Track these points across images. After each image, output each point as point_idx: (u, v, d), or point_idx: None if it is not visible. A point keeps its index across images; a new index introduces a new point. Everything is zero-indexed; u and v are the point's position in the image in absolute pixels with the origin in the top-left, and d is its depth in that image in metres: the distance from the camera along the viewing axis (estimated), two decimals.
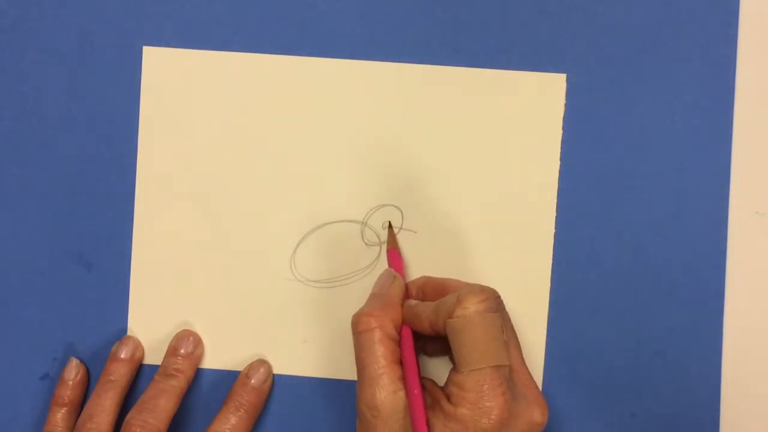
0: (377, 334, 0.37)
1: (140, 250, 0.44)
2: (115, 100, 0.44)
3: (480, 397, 0.35)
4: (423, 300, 0.40)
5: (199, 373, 0.44)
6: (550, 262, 0.43)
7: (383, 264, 0.43)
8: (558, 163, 0.43)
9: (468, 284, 0.39)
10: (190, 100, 0.44)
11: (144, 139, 0.44)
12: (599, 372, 0.43)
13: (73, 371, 0.43)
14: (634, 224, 0.43)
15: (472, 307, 0.36)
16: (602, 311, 0.43)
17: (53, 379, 0.44)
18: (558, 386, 0.43)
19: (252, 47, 0.44)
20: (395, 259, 0.42)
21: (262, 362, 0.43)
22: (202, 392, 0.44)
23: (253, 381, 0.42)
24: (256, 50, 0.44)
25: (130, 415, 0.40)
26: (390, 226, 0.43)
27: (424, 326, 0.38)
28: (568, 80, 0.43)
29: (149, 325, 0.44)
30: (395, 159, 0.44)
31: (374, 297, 0.39)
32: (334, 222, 0.44)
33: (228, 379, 0.43)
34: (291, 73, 0.44)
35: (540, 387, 0.43)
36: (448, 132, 0.44)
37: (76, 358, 0.44)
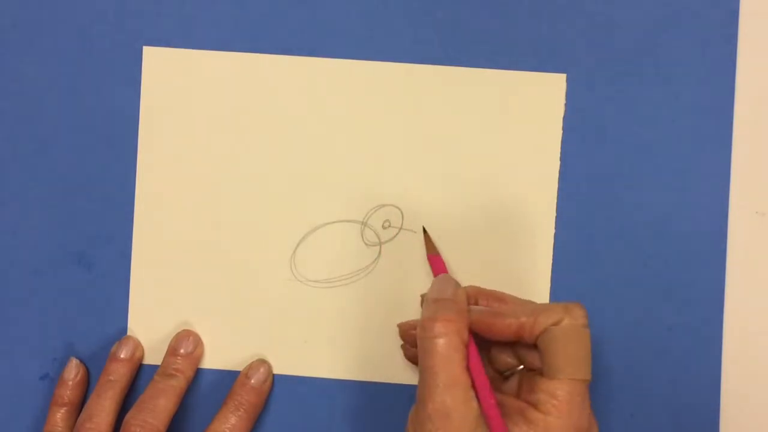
0: (453, 340, 0.36)
1: (140, 250, 0.44)
2: (115, 100, 0.44)
3: (571, 407, 0.35)
4: None
5: (198, 373, 0.44)
6: (550, 262, 0.43)
7: (383, 264, 0.43)
8: (558, 163, 0.43)
9: (535, 303, 0.39)
10: (190, 100, 0.44)
11: (144, 139, 0.44)
12: (599, 372, 0.43)
13: (72, 371, 0.43)
14: (634, 224, 0.43)
15: (582, 320, 0.36)
16: (602, 311, 0.43)
17: (53, 379, 0.44)
18: None
19: (252, 47, 0.44)
20: (441, 266, 0.42)
21: (262, 362, 0.43)
22: (202, 392, 0.44)
23: (252, 381, 0.42)
24: (256, 50, 0.44)
25: (130, 415, 0.40)
26: (425, 230, 0.43)
27: (506, 329, 0.37)
28: (568, 80, 0.43)
29: (149, 325, 0.44)
30: (395, 159, 0.44)
31: (440, 302, 0.37)
32: (334, 222, 0.44)
33: (228, 379, 0.43)
34: (291, 73, 0.44)
35: None
36: (448, 132, 0.44)
37: (76, 358, 0.44)
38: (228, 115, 0.44)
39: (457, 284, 0.39)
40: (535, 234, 0.43)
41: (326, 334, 0.44)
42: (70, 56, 0.44)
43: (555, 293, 0.43)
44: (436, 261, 0.42)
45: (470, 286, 0.40)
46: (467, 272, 0.43)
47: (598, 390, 0.43)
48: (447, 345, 0.36)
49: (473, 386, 0.36)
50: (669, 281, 0.43)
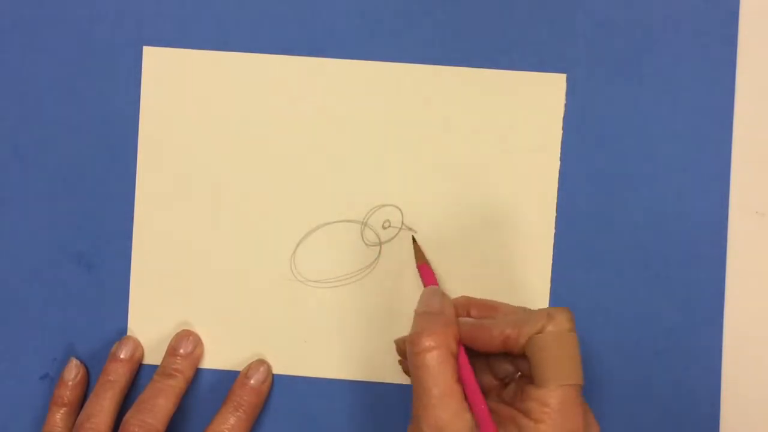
0: (441, 353, 0.36)
1: (140, 250, 0.44)
2: (115, 100, 0.44)
3: (563, 414, 0.35)
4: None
5: (198, 373, 0.44)
6: (550, 262, 0.43)
7: (383, 264, 0.43)
8: (558, 163, 0.43)
9: (523, 308, 0.38)
10: (190, 100, 0.44)
11: (144, 139, 0.44)
12: (599, 372, 0.43)
13: (72, 371, 0.43)
14: (634, 224, 0.43)
15: (565, 324, 0.36)
16: (602, 311, 0.43)
17: (53, 379, 0.44)
18: None
19: (252, 47, 0.44)
20: (430, 276, 0.42)
21: (262, 362, 0.43)
22: (202, 392, 0.44)
23: (252, 381, 0.42)
24: (256, 50, 0.44)
25: (129, 415, 0.40)
26: (414, 240, 0.43)
27: (492, 342, 0.37)
28: (568, 80, 0.43)
29: (149, 325, 0.44)
30: (395, 159, 0.44)
31: (427, 316, 0.38)
32: (334, 222, 0.44)
33: (227, 379, 0.43)
34: (291, 73, 0.44)
35: None
36: (448, 132, 0.44)
37: (76, 358, 0.44)
38: (228, 115, 0.44)
39: (444, 296, 0.39)
40: (535, 234, 0.43)
41: (326, 334, 0.44)
42: (70, 56, 0.44)
43: (555, 293, 0.43)
44: (425, 271, 0.42)
45: (461, 297, 0.40)
46: (467, 272, 0.43)
47: (598, 390, 0.43)
48: (436, 359, 0.36)
49: (466, 397, 0.36)
50: (669, 281, 0.43)
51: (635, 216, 0.43)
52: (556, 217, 0.43)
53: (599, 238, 0.43)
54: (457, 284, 0.43)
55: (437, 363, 0.36)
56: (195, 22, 0.44)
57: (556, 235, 0.43)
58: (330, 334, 0.44)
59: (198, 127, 0.44)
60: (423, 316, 0.38)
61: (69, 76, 0.44)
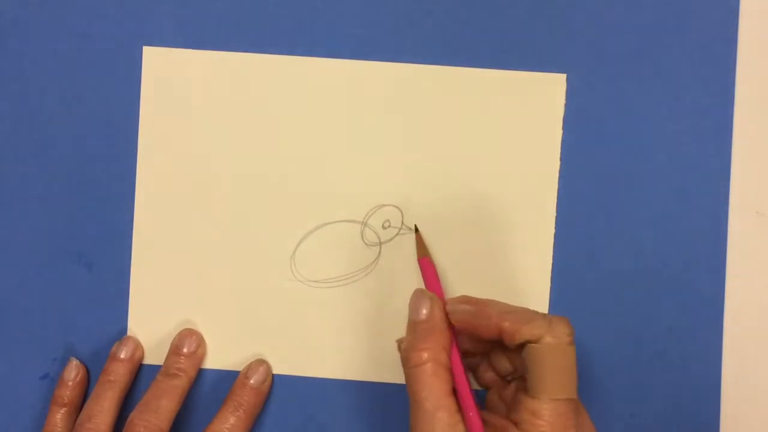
0: (431, 367, 0.36)
1: (140, 250, 0.44)
2: (115, 100, 0.44)
3: (554, 428, 0.34)
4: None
5: (199, 373, 0.44)
6: (550, 262, 0.43)
7: (383, 264, 0.43)
8: (558, 163, 0.43)
9: (525, 310, 0.37)
10: (190, 100, 0.44)
11: (144, 139, 0.44)
12: (599, 372, 0.43)
13: (72, 371, 0.43)
14: (634, 224, 0.43)
15: (565, 337, 0.36)
16: (602, 311, 0.43)
17: (53, 379, 0.44)
18: None
19: (252, 47, 0.44)
20: (429, 271, 0.41)
21: (261, 362, 0.43)
22: (203, 392, 0.44)
23: (252, 381, 0.42)
24: (256, 50, 0.44)
25: (133, 415, 0.40)
26: (417, 229, 0.43)
27: (488, 329, 0.37)
28: (568, 80, 0.43)
29: (149, 325, 0.44)
30: (395, 159, 0.44)
31: (417, 326, 0.38)
32: (334, 222, 0.44)
33: (228, 379, 0.43)
34: (291, 73, 0.44)
35: None
36: (448, 132, 0.44)
37: (76, 358, 0.44)
38: (228, 115, 0.44)
39: (433, 298, 0.39)
40: (535, 234, 0.43)
41: (326, 334, 0.44)
42: (70, 56, 0.44)
43: (555, 293, 0.43)
44: (425, 265, 0.42)
45: (459, 297, 0.40)
46: (467, 272, 0.43)
47: (598, 390, 0.43)
48: (427, 373, 0.36)
49: (460, 408, 0.36)
50: (669, 281, 0.43)
51: (635, 216, 0.43)
52: (556, 217, 0.43)
53: (599, 238, 0.43)
54: (457, 284, 0.43)
55: (428, 377, 0.36)
56: (195, 22, 0.44)
57: (556, 235, 0.43)
58: (330, 334, 0.44)
59: (198, 127, 0.44)
60: (412, 327, 0.38)
61: (69, 76, 0.44)
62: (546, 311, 0.43)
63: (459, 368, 0.38)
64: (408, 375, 0.37)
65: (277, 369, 0.44)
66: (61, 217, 0.44)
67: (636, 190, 0.43)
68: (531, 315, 0.37)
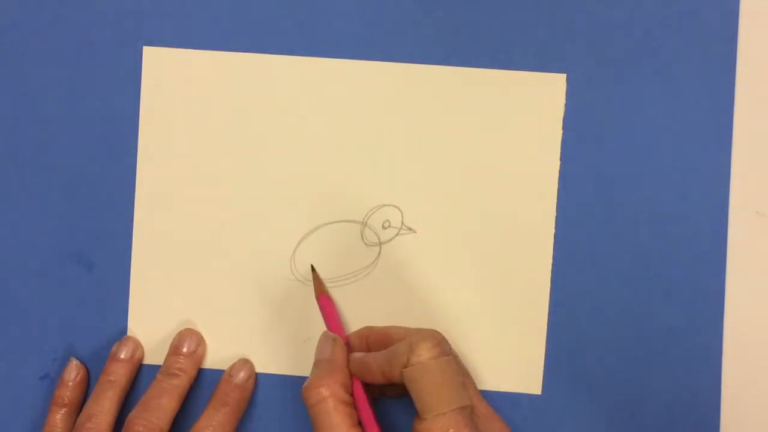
0: (330, 403, 0.37)
1: (140, 250, 0.44)
2: (115, 100, 0.44)
3: None
4: (368, 350, 0.40)
5: (199, 373, 0.44)
6: (550, 262, 0.43)
7: (383, 264, 0.43)
8: (558, 163, 0.43)
9: (414, 330, 0.39)
10: (190, 100, 0.44)
11: (144, 139, 0.44)
12: (599, 372, 0.43)
13: (72, 372, 0.43)
14: (634, 224, 0.43)
15: (426, 353, 0.36)
16: (602, 311, 0.43)
17: (53, 379, 0.44)
18: (558, 386, 0.43)
19: (252, 47, 0.44)
20: (328, 307, 0.42)
21: (246, 361, 0.43)
22: (203, 392, 0.44)
23: (236, 378, 0.43)
24: (256, 50, 0.44)
25: (133, 414, 0.40)
26: (313, 269, 0.43)
27: (376, 377, 0.38)
28: (568, 80, 0.43)
29: (149, 325, 0.44)
30: (395, 159, 0.44)
31: (318, 364, 0.39)
32: (334, 222, 0.44)
33: None
34: (291, 73, 0.44)
35: (539, 387, 0.43)
36: (448, 132, 0.44)
37: (76, 358, 0.44)
38: (228, 115, 0.44)
39: (335, 340, 0.40)
40: (535, 234, 0.43)
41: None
42: (70, 56, 0.44)
43: (555, 293, 0.43)
44: (323, 301, 0.42)
45: (363, 328, 0.41)
46: (466, 272, 0.43)
47: (598, 390, 0.43)
48: (325, 409, 0.37)
49: None
50: (669, 281, 0.43)
51: (635, 216, 0.43)
52: (556, 217, 0.43)
53: (599, 238, 0.43)
54: (457, 284, 0.43)
55: (329, 412, 0.37)
56: (195, 22, 0.44)
57: (556, 235, 0.43)
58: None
59: (198, 127, 0.44)
60: (314, 365, 0.40)
61: (69, 76, 0.44)
62: (546, 311, 0.43)
63: (363, 401, 0.39)
64: (311, 413, 0.38)
65: (278, 369, 0.44)
66: (61, 217, 0.44)
67: (636, 190, 0.43)
68: (397, 345, 0.37)
